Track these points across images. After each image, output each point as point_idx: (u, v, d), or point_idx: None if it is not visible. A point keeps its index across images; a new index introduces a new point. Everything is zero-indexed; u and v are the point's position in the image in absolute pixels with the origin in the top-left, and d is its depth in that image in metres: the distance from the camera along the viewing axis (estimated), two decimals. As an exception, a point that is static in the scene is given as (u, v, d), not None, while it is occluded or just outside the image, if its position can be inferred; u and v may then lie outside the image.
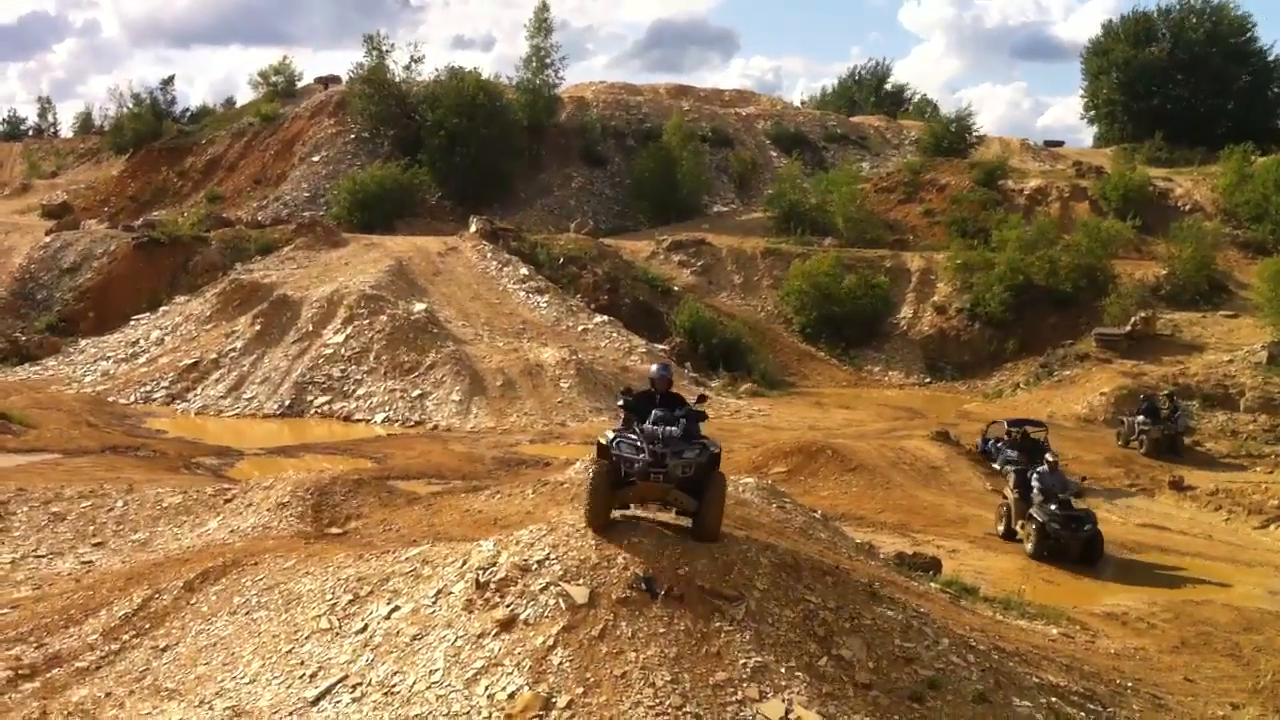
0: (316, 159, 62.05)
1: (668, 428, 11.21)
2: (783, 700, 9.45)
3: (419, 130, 59.57)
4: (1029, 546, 21.11)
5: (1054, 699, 10.95)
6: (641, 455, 11.04)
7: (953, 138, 64.47)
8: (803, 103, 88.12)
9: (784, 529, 14.08)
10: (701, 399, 12.29)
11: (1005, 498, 22.64)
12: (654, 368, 12.41)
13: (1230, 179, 53.13)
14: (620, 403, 12.01)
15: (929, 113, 79.98)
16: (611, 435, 11.44)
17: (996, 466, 24.92)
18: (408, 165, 56.76)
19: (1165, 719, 12.25)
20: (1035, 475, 21.29)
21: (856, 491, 24.66)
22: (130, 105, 77.70)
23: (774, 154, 67.37)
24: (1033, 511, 21.07)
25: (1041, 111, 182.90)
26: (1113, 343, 41.69)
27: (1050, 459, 22.02)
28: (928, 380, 45.28)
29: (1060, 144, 76.34)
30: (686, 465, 11.07)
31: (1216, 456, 32.96)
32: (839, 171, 59.93)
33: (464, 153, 57.62)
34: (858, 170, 61.94)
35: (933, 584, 16.06)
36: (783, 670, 9.77)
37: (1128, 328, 42.00)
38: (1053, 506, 20.72)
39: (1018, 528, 21.83)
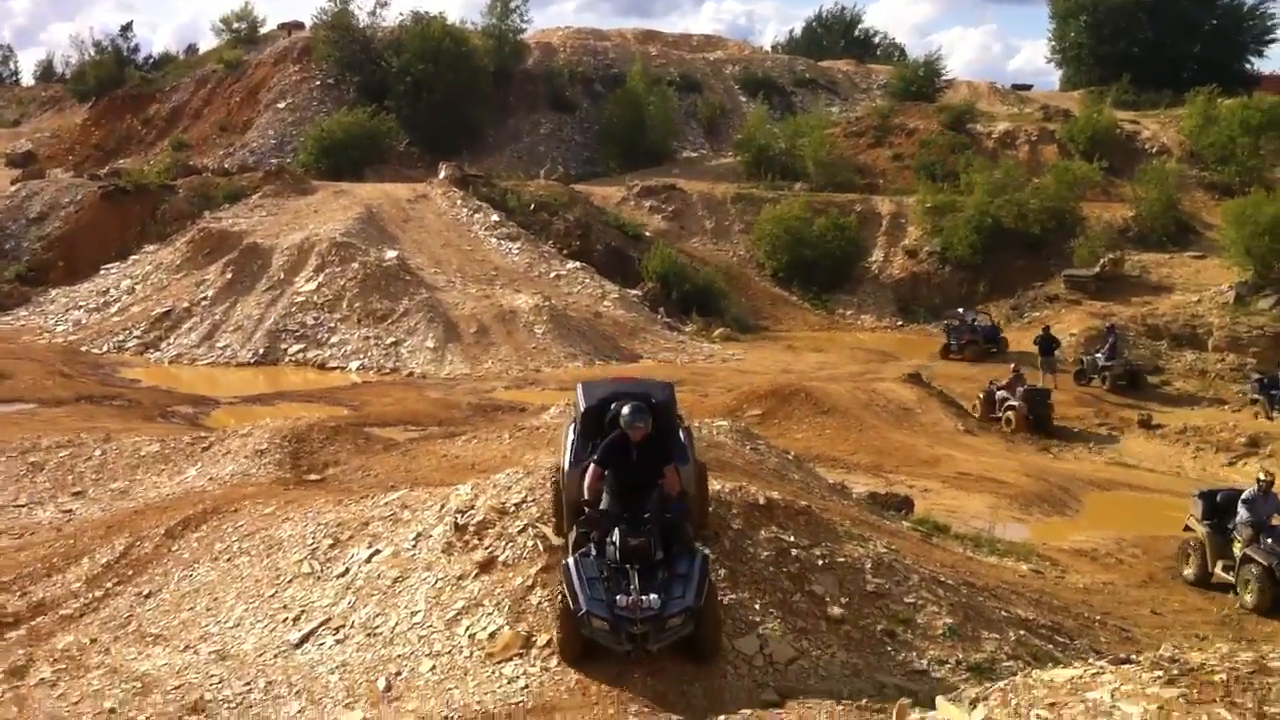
0: (282, 106, 61.47)
1: (646, 598, 8.93)
2: (757, 636, 9.70)
3: (385, 77, 59.12)
4: (1248, 598, 15.62)
5: (1023, 632, 11.24)
6: (619, 641, 9.04)
7: (921, 82, 64.31)
8: (773, 47, 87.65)
9: (758, 470, 14.32)
10: (682, 495, 9.87)
11: (1191, 528, 17.12)
12: (625, 412, 9.84)
13: (1196, 121, 53.18)
14: (595, 459, 9.77)
15: (898, 57, 79.73)
16: (581, 599, 9.06)
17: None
18: (375, 112, 56.27)
19: (1131, 650, 12.60)
20: (1241, 502, 16.16)
21: (830, 434, 24.95)
22: (92, 52, 76.72)
23: (743, 99, 67.10)
24: (1250, 551, 15.76)
25: (1012, 55, 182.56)
26: (1081, 284, 42.06)
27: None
28: (900, 323, 45.51)
29: (1029, 87, 76.25)
30: (673, 635, 9.12)
31: (1184, 395, 33.45)
32: (808, 116, 59.85)
33: (431, 99, 57.27)
34: (827, 115, 61.85)
35: (905, 523, 16.36)
36: (756, 607, 10.01)
37: (1096, 269, 42.37)
38: (1270, 540, 15.64)
39: (1219, 569, 16.52)
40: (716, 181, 53.50)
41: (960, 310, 40.27)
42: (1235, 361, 35.88)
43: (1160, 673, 6.13)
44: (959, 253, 46.03)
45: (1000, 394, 29.28)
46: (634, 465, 9.71)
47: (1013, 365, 30.96)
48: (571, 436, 10.45)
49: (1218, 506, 16.51)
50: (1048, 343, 33.65)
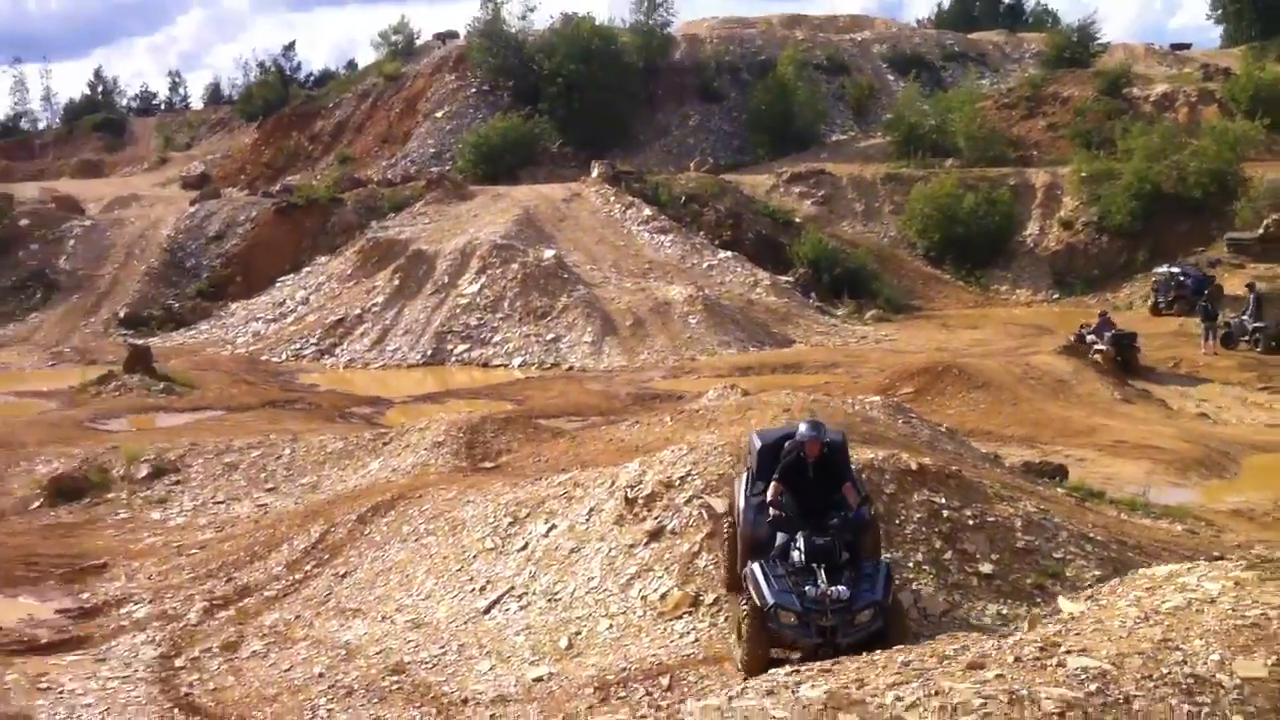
0: (439, 115, 63.42)
1: (835, 589, 9.04)
2: (910, 591, 10.27)
3: (537, 80, 60.46)
4: None
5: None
6: (807, 633, 9.08)
7: (1075, 48, 63.17)
8: (919, 22, 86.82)
9: (910, 442, 14.79)
10: (866, 500, 10.21)
11: None
12: (802, 428, 10.10)
13: (1366, 71, 51.42)
14: (776, 476, 9.91)
15: (1051, 23, 78.17)
16: (768, 593, 9.16)
17: None
18: (528, 115, 57.82)
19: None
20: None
21: (984, 408, 25.07)
22: (257, 73, 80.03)
23: (891, 78, 66.75)
24: None
25: (1174, 11, 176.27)
26: (1244, 247, 40.99)
27: None
28: (1056, 296, 44.96)
29: (1187, 46, 74.17)
30: (862, 631, 9.07)
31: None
32: (958, 91, 59.21)
33: (582, 99, 58.40)
34: (977, 88, 61.01)
35: (1059, 489, 16.61)
36: (910, 564, 10.59)
37: (1260, 231, 41.22)
38: None
39: None
40: (866, 163, 53.53)
41: (1167, 266, 40.26)
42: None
43: (1244, 562, 6.82)
44: (1117, 221, 45.20)
45: (1090, 337, 30.67)
46: (811, 483, 9.87)
47: (1102, 313, 32.77)
48: (745, 480, 10.47)
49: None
50: (1209, 308, 33.09)
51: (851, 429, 13.27)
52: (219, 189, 57.30)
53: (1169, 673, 5.55)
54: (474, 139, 56.85)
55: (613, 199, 47.95)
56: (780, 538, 9.55)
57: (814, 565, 9.21)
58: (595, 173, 50.51)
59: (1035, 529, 11.36)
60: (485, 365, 36.39)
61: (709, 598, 10.34)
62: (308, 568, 14.55)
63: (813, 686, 5.98)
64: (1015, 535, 11.14)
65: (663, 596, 10.54)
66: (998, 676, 5.57)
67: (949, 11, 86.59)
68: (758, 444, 10.56)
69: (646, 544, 11.25)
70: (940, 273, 46.86)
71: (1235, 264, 40.05)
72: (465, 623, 11.49)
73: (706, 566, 10.70)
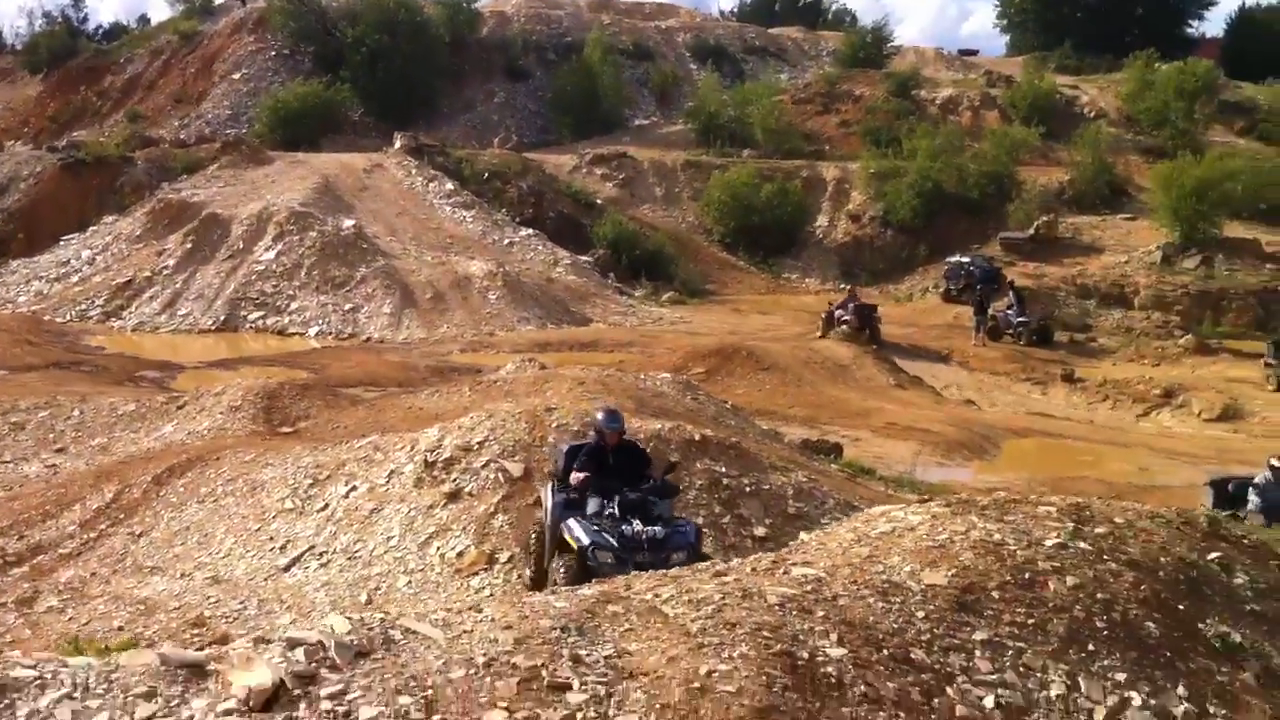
0: (237, 76, 62.03)
1: (650, 528, 9.57)
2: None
3: (340, 47, 59.74)
4: None
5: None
6: (625, 570, 9.00)
7: (869, 49, 65.77)
8: (723, 14, 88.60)
9: (696, 417, 15.68)
10: (671, 467, 10.80)
11: None
12: (600, 416, 10.62)
13: (1133, 86, 54.97)
14: (578, 465, 10.23)
15: (848, 22, 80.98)
16: (584, 536, 9.59)
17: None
18: (330, 82, 57.04)
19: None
20: (1252, 488, 14.90)
21: (769, 389, 26.31)
22: (42, 23, 76.52)
23: (694, 66, 68.22)
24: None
25: (966, 17, 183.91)
26: (1016, 246, 43.61)
27: None
28: (843, 286, 46.81)
29: (975, 53, 77.85)
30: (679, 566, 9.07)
31: (1109, 351, 35.23)
32: (757, 84, 60.99)
33: (386, 69, 57.94)
34: (776, 82, 63.02)
35: (833, 465, 17.77)
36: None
37: (1030, 231, 43.96)
38: None
39: None
40: (667, 149, 54.69)
41: (958, 255, 42.58)
42: (1160, 319, 37.69)
43: (943, 502, 8.31)
44: (901, 216, 47.44)
45: (837, 313, 33.62)
46: (613, 470, 10.17)
47: (847, 287, 37.34)
48: (551, 487, 10.70)
49: (1230, 495, 15.41)
50: (982, 301, 35.29)
51: (643, 403, 14.06)
52: (0, 142, 54.77)
53: (870, 579, 6.76)
54: (272, 103, 55.83)
55: (415, 171, 47.83)
56: (593, 503, 9.97)
57: (628, 516, 9.71)
58: (398, 144, 50.27)
59: (806, 497, 12.33)
60: (281, 333, 36.08)
61: (504, 556, 10.94)
62: (102, 526, 14.53)
63: (589, 588, 7.01)
64: (788, 502, 12.09)
65: (460, 554, 11.09)
66: (735, 580, 6.69)
67: (752, 5, 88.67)
68: (563, 449, 10.88)
69: (445, 505, 11.77)
70: (735, 259, 48.29)
71: (1008, 261, 42.55)
72: (265, 579, 11.81)
73: (502, 527, 11.30)
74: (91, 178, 46.74)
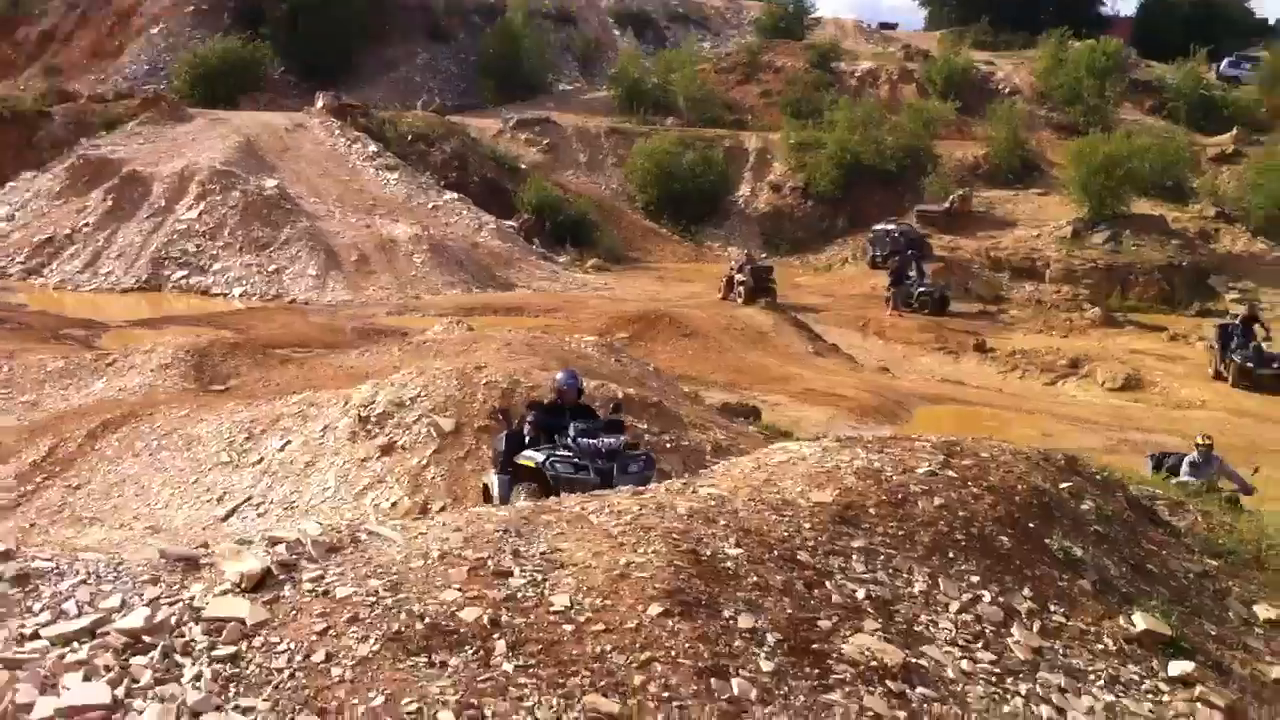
0: (155, 31, 61.12)
1: (606, 439, 10.25)
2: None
3: (260, 3, 59.09)
4: None
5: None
6: (586, 475, 9.91)
7: (790, 19, 66.52)
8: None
9: (620, 377, 16.29)
10: (617, 408, 11.64)
11: None
12: (560, 376, 11.28)
13: (1047, 63, 56.30)
14: (530, 418, 10.62)
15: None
16: (541, 456, 10.13)
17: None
18: (250, 39, 56.43)
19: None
20: (1187, 463, 16.36)
21: (691, 354, 27.02)
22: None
23: (617, 33, 68.50)
24: None
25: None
26: (932, 219, 44.61)
27: None
28: (764, 255, 47.67)
29: (894, 26, 78.87)
30: (634, 479, 9.85)
31: (1021, 322, 36.49)
32: (679, 51, 61.36)
33: (307, 26, 57.46)
34: (698, 50, 63.49)
35: (751, 427, 18.48)
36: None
37: (946, 205, 45.05)
38: None
39: None
40: (591, 115, 55.03)
41: (884, 223, 43.25)
42: (1069, 293, 39.10)
43: (833, 438, 9.49)
44: (821, 188, 48.29)
45: (736, 275, 35.37)
46: (565, 427, 10.48)
47: (745, 251, 39.33)
48: (504, 440, 10.90)
49: (1168, 468, 16.68)
50: (899, 273, 36.27)
51: (568, 364, 14.57)
52: (-91, 93, 53.61)
53: (766, 497, 7.79)
54: (191, 59, 54.99)
55: (338, 132, 47.64)
56: (546, 446, 10.36)
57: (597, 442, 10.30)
58: (320, 104, 49.88)
59: (722, 453, 13.01)
60: (204, 293, 36.06)
61: (436, 506, 11.50)
62: (38, 480, 14.84)
63: (525, 503, 8.31)
64: (706, 459, 12.76)
65: (393, 505, 11.65)
66: (651, 497, 7.73)
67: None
68: (503, 434, 11.07)
69: (378, 458, 12.32)
70: (658, 227, 48.81)
71: (924, 234, 43.64)
72: (204, 529, 12.26)
73: (434, 478, 11.88)
74: (8, 133, 45.92)
